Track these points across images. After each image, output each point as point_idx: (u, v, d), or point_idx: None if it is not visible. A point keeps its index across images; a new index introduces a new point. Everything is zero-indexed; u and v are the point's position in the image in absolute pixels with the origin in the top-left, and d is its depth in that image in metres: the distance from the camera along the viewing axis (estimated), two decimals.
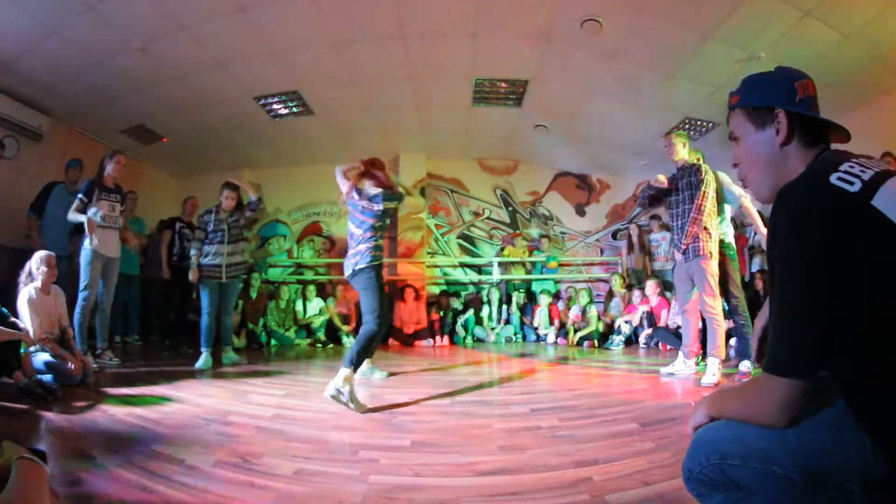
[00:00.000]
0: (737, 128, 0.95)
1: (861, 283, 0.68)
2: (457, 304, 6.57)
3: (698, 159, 3.42)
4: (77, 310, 3.55)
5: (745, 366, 3.37)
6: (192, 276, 3.87)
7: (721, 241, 3.42)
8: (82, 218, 3.59)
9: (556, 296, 6.59)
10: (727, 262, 3.42)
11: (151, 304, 5.70)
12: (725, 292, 3.45)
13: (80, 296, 3.60)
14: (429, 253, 7.19)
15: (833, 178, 0.74)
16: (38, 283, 3.08)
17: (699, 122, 5.53)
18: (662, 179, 3.39)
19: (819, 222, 0.71)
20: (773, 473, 0.75)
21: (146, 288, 5.57)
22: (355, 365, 2.45)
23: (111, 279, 3.85)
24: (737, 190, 3.52)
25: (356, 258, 2.83)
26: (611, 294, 6.41)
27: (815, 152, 0.86)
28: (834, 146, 0.89)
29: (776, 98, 0.89)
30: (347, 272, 2.87)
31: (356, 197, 2.98)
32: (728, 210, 3.58)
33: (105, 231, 3.71)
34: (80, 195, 3.69)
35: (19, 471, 0.89)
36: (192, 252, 3.92)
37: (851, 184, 0.72)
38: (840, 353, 0.69)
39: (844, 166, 0.75)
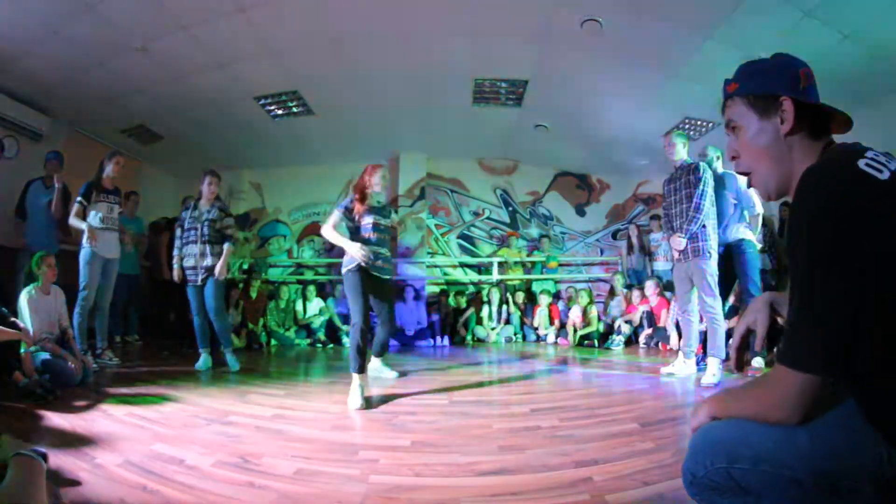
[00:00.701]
0: (736, 117, 0.90)
1: (887, 276, 0.65)
2: (462, 301, 6.53)
3: (718, 157, 3.43)
4: (76, 310, 3.56)
5: (758, 362, 3.38)
6: (176, 276, 3.75)
7: (742, 240, 3.44)
8: (83, 225, 3.63)
9: (557, 296, 6.59)
10: (747, 260, 3.42)
11: (152, 304, 5.70)
12: (743, 291, 3.47)
13: (80, 295, 3.62)
14: (429, 253, 7.19)
15: (861, 164, 0.70)
16: (38, 283, 3.08)
17: (699, 122, 5.53)
18: (681, 244, 3.26)
19: (849, 208, 0.67)
20: (783, 476, 0.73)
21: (149, 288, 5.58)
22: (357, 368, 2.61)
23: (109, 279, 3.86)
24: (756, 202, 3.52)
25: None
26: (612, 294, 6.41)
27: (821, 144, 0.83)
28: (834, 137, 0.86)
29: (780, 85, 0.84)
30: None
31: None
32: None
33: (103, 232, 3.74)
34: (78, 198, 3.70)
35: (16, 467, 0.89)
36: (175, 252, 3.77)
37: (880, 171, 0.69)
38: (860, 348, 0.66)
39: (870, 154, 0.72)
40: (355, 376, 2.57)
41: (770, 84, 0.86)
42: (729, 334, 3.60)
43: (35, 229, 4.25)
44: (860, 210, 0.67)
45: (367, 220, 2.91)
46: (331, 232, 2.89)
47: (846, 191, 0.69)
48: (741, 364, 0.99)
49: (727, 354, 3.48)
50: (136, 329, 5.51)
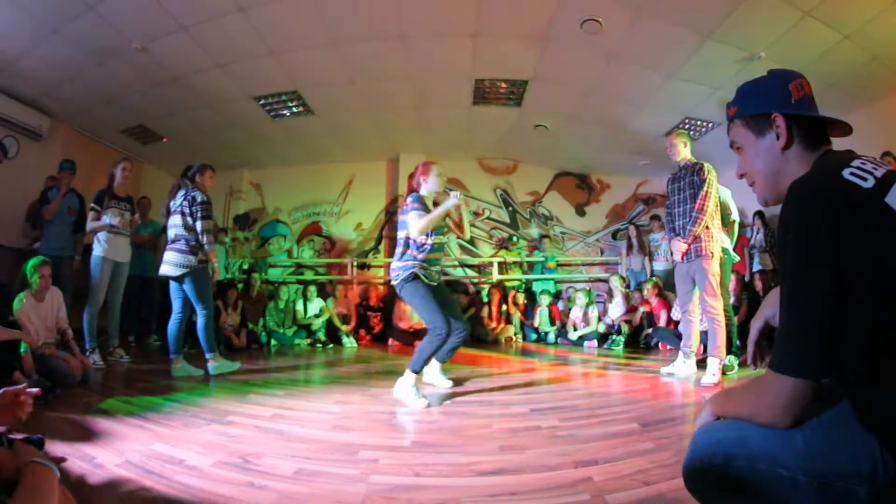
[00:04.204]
0: (738, 138, 0.95)
1: (871, 282, 0.66)
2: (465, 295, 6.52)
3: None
4: (86, 309, 3.72)
5: (730, 360, 3.42)
6: (217, 275, 3.47)
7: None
8: (105, 220, 3.75)
9: (557, 296, 6.58)
10: (721, 263, 3.47)
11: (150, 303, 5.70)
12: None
13: (90, 296, 3.76)
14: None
15: (846, 173, 0.73)
16: (31, 291, 3.08)
17: (699, 122, 5.53)
18: (682, 249, 3.27)
19: (833, 217, 0.69)
20: (779, 475, 0.74)
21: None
22: (420, 368, 2.58)
23: (119, 282, 3.96)
24: (733, 209, 3.73)
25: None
26: (611, 294, 6.40)
27: (818, 154, 0.85)
28: (835, 141, 0.89)
29: (772, 103, 0.89)
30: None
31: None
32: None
33: (114, 237, 3.82)
34: (92, 204, 3.83)
35: (29, 476, 0.89)
36: (209, 246, 3.35)
37: (865, 179, 0.71)
38: (847, 353, 0.67)
39: (856, 162, 0.75)
40: (413, 375, 2.53)
41: (763, 103, 0.90)
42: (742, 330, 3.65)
43: (53, 236, 4.26)
44: (842, 219, 0.69)
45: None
46: (422, 222, 2.58)
47: (828, 201, 0.71)
48: (756, 358, 1.00)
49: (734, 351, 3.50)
50: (154, 330, 5.53)
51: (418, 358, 2.57)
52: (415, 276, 2.61)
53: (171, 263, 3.34)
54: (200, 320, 3.40)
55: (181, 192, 3.43)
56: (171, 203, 3.44)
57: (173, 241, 3.37)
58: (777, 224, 0.78)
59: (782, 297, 0.75)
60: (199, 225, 3.32)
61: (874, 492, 0.68)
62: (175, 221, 3.36)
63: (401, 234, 2.71)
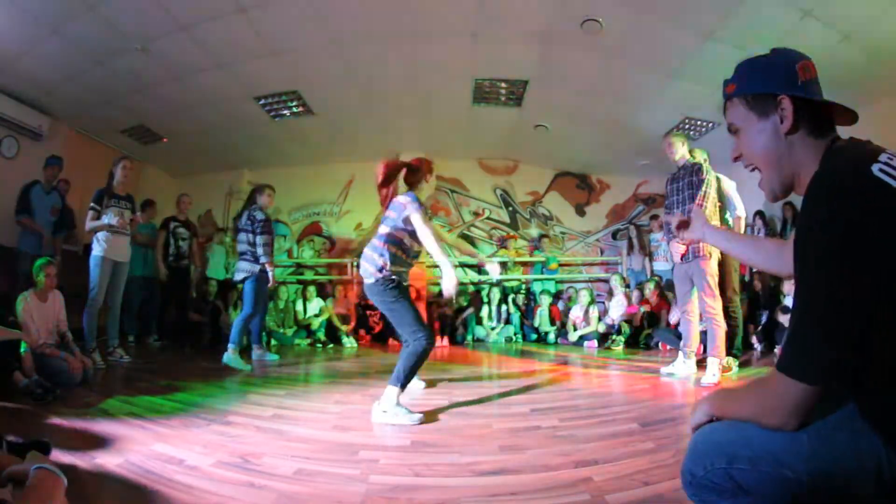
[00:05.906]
0: (737, 119, 0.87)
1: (892, 286, 0.63)
2: (464, 300, 6.51)
3: (705, 160, 3.42)
4: (86, 310, 3.69)
5: (728, 361, 3.41)
6: (274, 282, 4.23)
7: None
8: (105, 219, 3.74)
9: (557, 296, 6.58)
10: (727, 263, 3.44)
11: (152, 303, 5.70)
12: (721, 293, 3.48)
13: (90, 296, 3.75)
14: (428, 253, 7.17)
15: (875, 170, 0.67)
16: (35, 290, 3.08)
17: (699, 122, 5.53)
18: (680, 251, 3.27)
19: (862, 217, 0.64)
20: (784, 477, 0.72)
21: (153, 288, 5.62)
22: (402, 384, 2.21)
23: (119, 281, 3.95)
24: (738, 204, 3.62)
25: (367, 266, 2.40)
26: (611, 294, 6.40)
27: (825, 142, 0.79)
28: (839, 129, 0.83)
29: (777, 83, 0.81)
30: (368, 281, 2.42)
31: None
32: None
33: (114, 237, 3.81)
34: (91, 204, 3.80)
35: (36, 480, 0.89)
36: (266, 258, 4.02)
37: (895, 178, 0.66)
38: (861, 356, 0.65)
39: (883, 157, 0.69)
40: (400, 392, 2.18)
41: (767, 82, 0.82)
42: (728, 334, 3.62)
43: (33, 235, 4.26)
44: (872, 221, 0.64)
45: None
46: (436, 245, 2.36)
47: (858, 200, 0.66)
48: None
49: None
50: (154, 330, 5.52)
51: (406, 371, 2.20)
52: (400, 282, 2.40)
53: (238, 270, 4.08)
54: (241, 315, 4.06)
55: (245, 213, 4.12)
56: (239, 223, 4.14)
57: (242, 254, 4.07)
58: (798, 220, 0.72)
59: (798, 295, 0.70)
60: (257, 239, 4.01)
61: (879, 492, 0.67)
62: (241, 238, 4.08)
63: (394, 232, 2.45)
